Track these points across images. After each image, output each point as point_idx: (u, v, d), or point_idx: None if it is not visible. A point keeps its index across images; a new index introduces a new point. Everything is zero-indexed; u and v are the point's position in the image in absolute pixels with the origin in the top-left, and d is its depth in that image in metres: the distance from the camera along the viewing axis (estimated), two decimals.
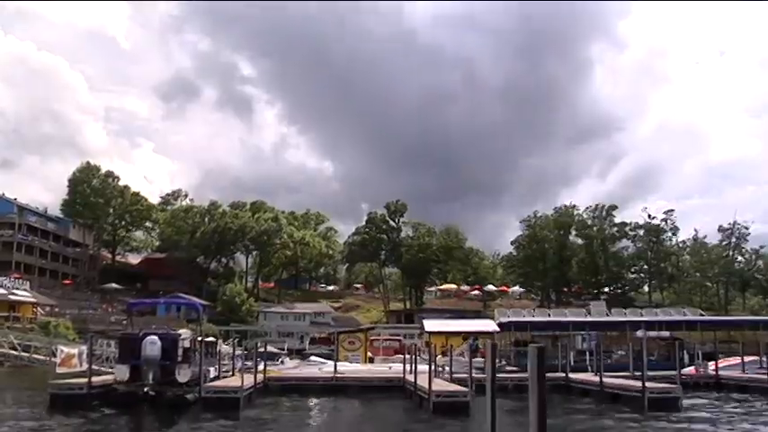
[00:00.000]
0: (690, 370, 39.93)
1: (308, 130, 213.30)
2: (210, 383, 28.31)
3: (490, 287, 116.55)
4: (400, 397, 32.40)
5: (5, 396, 30.59)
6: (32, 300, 75.64)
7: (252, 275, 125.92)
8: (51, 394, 26.02)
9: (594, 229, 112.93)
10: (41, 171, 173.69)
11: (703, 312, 64.80)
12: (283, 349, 64.19)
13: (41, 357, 39.33)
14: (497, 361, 9.91)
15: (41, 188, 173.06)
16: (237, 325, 78.52)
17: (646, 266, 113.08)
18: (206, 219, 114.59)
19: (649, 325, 48.84)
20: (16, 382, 37.23)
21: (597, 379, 32.20)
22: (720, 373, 38.85)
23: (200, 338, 30.59)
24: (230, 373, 34.02)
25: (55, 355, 31.97)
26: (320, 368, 41.96)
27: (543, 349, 5.49)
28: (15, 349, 42.31)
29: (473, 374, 28.79)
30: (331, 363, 41.00)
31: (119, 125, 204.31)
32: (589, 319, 55.31)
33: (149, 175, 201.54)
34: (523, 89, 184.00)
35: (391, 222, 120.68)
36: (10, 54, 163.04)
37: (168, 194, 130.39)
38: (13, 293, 71.99)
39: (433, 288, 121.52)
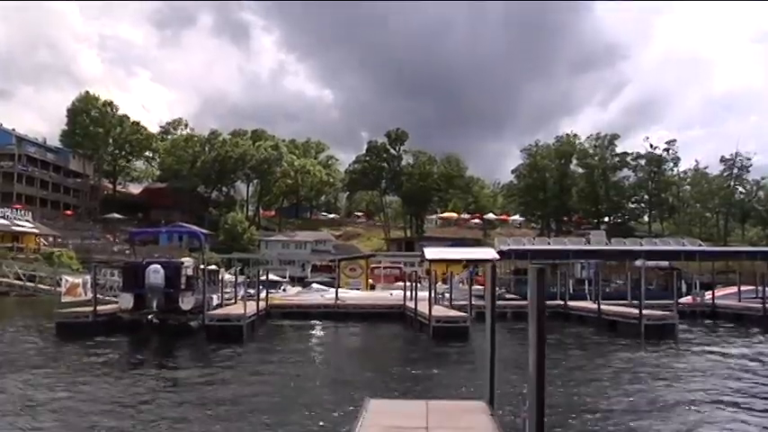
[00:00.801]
0: (687, 299, 40.36)
1: (307, 57, 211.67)
2: (213, 311, 28.63)
3: (490, 216, 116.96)
4: (401, 323, 32.87)
5: (14, 325, 31.00)
6: (35, 230, 75.96)
7: (253, 204, 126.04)
8: (58, 323, 26.44)
9: (596, 158, 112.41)
10: (37, 101, 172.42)
11: (702, 243, 65.06)
12: (285, 277, 64.71)
13: (46, 287, 39.71)
14: (497, 288, 10.04)
15: (37, 118, 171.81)
16: (239, 253, 78.87)
17: (646, 196, 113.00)
18: (206, 148, 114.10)
19: (648, 254, 49.30)
20: (23, 312, 37.69)
21: (595, 307, 32.60)
22: (717, 302, 39.27)
23: (202, 267, 30.84)
24: (233, 300, 34.40)
25: (60, 285, 32.25)
26: (322, 295, 42.37)
27: (544, 270, 5.57)
28: (21, 279, 42.70)
29: (473, 301, 29.24)
30: (332, 290, 41.40)
31: (114, 53, 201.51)
32: (589, 248, 55.71)
33: (147, 104, 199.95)
34: (526, 16, 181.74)
35: (392, 151, 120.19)
36: None
37: (168, 123, 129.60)
38: (16, 224, 72.30)
39: (433, 216, 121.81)
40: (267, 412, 13.14)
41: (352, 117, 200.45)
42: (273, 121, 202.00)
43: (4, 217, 72.50)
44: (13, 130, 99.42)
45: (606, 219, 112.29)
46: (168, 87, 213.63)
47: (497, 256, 51.14)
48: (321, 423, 11.94)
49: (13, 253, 57.30)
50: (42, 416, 12.77)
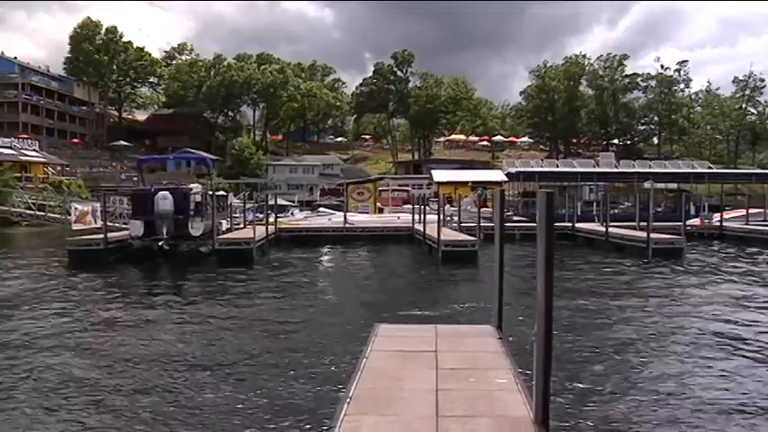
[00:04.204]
0: (695, 221, 40.33)
1: None
2: (223, 236, 28.85)
3: (498, 138, 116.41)
4: (409, 246, 33.05)
5: (26, 254, 31.30)
6: (43, 160, 75.90)
7: (260, 129, 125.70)
8: (69, 251, 26.60)
9: (605, 79, 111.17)
10: (29, 26, 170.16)
11: (712, 165, 64.75)
12: (293, 201, 64.94)
13: (57, 216, 39.88)
14: (505, 210, 10.03)
15: (32, 45, 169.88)
16: (247, 178, 78.97)
17: (656, 118, 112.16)
18: (211, 72, 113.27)
19: (657, 177, 49.07)
20: (34, 241, 38.00)
21: (603, 229, 32.66)
22: (725, 224, 39.23)
23: (210, 192, 30.91)
24: (242, 225, 34.57)
25: (69, 214, 32.40)
26: (330, 219, 42.50)
27: (553, 194, 5.53)
28: (31, 209, 42.85)
29: (481, 224, 29.31)
30: (340, 214, 41.50)
31: None
32: (597, 170, 55.53)
33: (144, 28, 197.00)
34: None
35: (399, 73, 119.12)
36: None
37: (173, 49, 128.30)
38: (23, 154, 72.20)
39: (441, 139, 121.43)
40: (276, 336, 13.34)
41: (353, 38, 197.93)
42: (274, 44, 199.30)
43: (10, 147, 72.37)
44: (15, 58, 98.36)
45: (615, 141, 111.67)
46: (165, 11, 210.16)
47: (505, 179, 51.09)
48: (330, 347, 12.09)
49: (21, 183, 57.37)
50: (62, 343, 13.00)
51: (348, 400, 6.19)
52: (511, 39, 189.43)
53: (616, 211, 42.63)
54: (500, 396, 6.24)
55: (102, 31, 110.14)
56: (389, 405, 6.00)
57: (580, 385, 9.83)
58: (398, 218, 41.94)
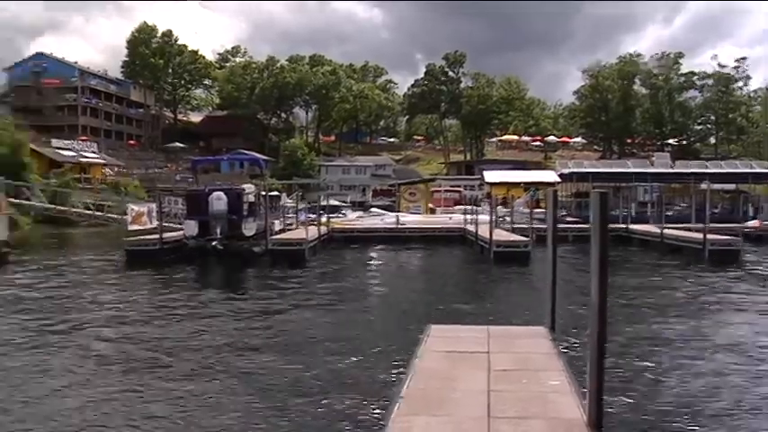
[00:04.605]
0: (753, 223, 39.46)
1: None
2: (276, 236, 29.09)
3: (551, 138, 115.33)
4: (461, 247, 32.98)
5: (86, 253, 31.97)
6: (101, 161, 77.66)
7: (312, 130, 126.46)
8: (127, 251, 27.13)
9: (660, 78, 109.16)
10: (88, 31, 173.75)
11: None
12: (345, 202, 65.22)
13: (114, 216, 40.66)
14: (558, 211, 9.94)
15: (90, 48, 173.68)
16: (300, 179, 79.52)
17: (713, 117, 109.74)
18: (264, 74, 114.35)
19: (714, 177, 48.12)
20: (93, 241, 38.78)
21: (658, 231, 32.15)
22: None
23: (263, 193, 31.18)
24: (294, 226, 34.81)
25: (126, 214, 33.00)
26: (382, 219, 42.60)
27: (607, 194, 5.47)
28: (89, 209, 43.76)
29: (533, 225, 29.10)
30: (392, 214, 41.61)
31: None
32: (652, 170, 54.64)
33: (197, 30, 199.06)
34: None
35: (450, 73, 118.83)
36: None
37: (227, 51, 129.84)
38: (83, 156, 73.96)
39: (493, 139, 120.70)
40: (328, 336, 13.38)
41: (404, 39, 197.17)
42: (325, 45, 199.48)
43: (71, 149, 74.19)
44: (76, 62, 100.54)
45: (671, 141, 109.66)
46: (217, 13, 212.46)
47: (558, 179, 50.61)
48: (381, 348, 12.12)
49: (81, 184, 58.64)
50: (119, 335, 13.31)
51: (400, 400, 6.20)
52: (564, 38, 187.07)
53: (671, 212, 41.90)
54: (553, 398, 6.20)
55: (158, 35, 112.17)
56: (441, 405, 6.01)
57: (634, 389, 9.71)
58: (450, 218, 41.88)
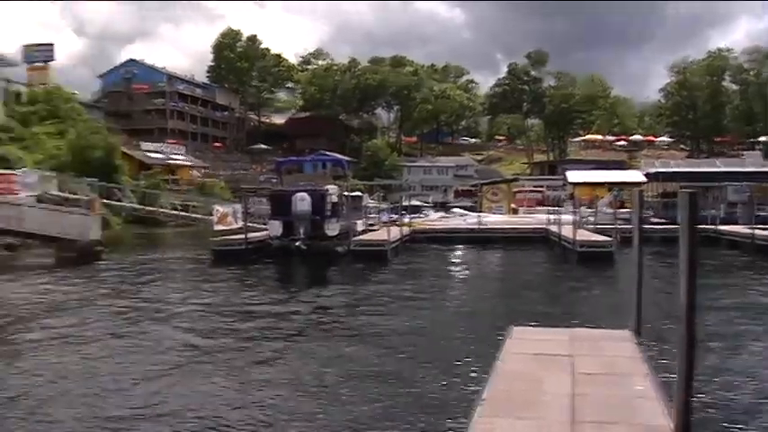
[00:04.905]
0: None
1: None
2: (358, 237, 29.28)
3: (636, 137, 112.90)
4: (544, 247, 32.58)
5: (174, 253, 32.89)
6: (188, 163, 79.72)
7: (394, 130, 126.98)
8: (213, 250, 27.78)
9: (752, 73, 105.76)
10: (175, 37, 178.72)
11: None
12: (427, 202, 65.23)
13: (200, 216, 41.60)
14: (643, 212, 9.73)
15: (178, 54, 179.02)
16: (381, 180, 79.89)
17: None
18: (346, 76, 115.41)
19: None
20: (181, 241, 39.78)
21: (749, 231, 31.13)
22: None
23: (346, 193, 31.41)
24: (377, 226, 34.96)
25: (212, 215, 33.71)
26: (464, 220, 42.43)
27: (696, 194, 5.32)
28: (177, 210, 44.91)
29: (618, 225, 28.56)
30: (474, 214, 41.37)
31: None
32: (743, 169, 52.91)
33: (280, 33, 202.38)
34: None
35: (533, 72, 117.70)
36: None
37: (309, 54, 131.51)
38: (171, 158, 76.10)
39: (576, 139, 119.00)
40: (410, 336, 13.42)
41: (484, 38, 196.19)
42: (406, 46, 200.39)
43: (160, 152, 76.39)
44: (164, 68, 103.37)
45: (762, 138, 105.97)
46: (300, 16, 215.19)
47: (644, 179, 49.48)
48: (463, 348, 12.08)
49: (169, 185, 60.20)
50: (208, 326, 13.64)
51: (482, 401, 6.18)
52: (650, 34, 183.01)
53: (763, 213, 40.47)
54: (638, 404, 6.08)
55: (243, 40, 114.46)
56: (524, 408, 5.97)
57: (724, 396, 9.44)
58: (533, 219, 41.44)
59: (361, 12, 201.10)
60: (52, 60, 76.63)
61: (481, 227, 36.84)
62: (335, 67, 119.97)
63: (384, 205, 39.19)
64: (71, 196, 38.71)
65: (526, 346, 8.28)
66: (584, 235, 28.33)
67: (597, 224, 33.92)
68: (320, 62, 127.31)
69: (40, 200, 34.68)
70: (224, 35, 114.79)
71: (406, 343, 12.75)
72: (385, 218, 35.42)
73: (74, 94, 69.22)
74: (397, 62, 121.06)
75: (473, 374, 9.96)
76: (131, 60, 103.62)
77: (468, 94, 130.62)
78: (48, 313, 16.24)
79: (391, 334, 13.66)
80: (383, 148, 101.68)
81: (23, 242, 29.54)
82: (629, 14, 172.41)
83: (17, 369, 11.16)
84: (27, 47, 74.76)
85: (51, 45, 77.73)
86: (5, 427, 8.49)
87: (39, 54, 74.63)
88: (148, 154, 73.72)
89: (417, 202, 55.40)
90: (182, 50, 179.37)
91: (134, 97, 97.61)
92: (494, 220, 41.39)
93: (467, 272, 26.78)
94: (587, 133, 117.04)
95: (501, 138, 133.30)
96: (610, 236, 27.29)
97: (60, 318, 15.60)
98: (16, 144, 47.38)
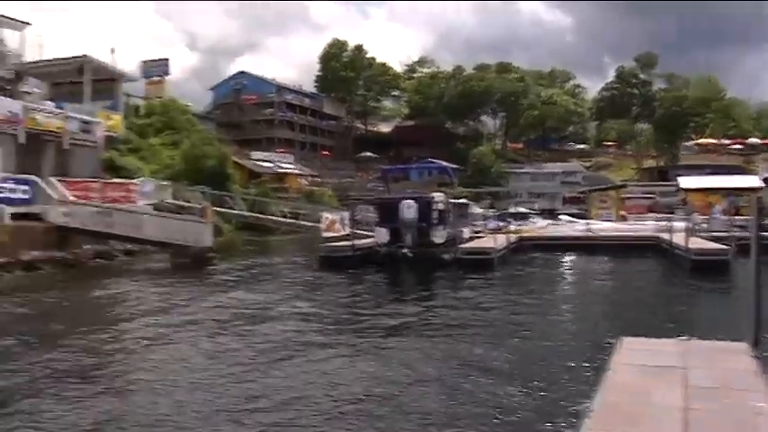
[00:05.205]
0: None
1: None
2: (465, 244, 29.21)
3: (753, 140, 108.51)
4: (655, 256, 31.71)
5: (283, 259, 33.67)
6: (297, 171, 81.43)
7: (500, 137, 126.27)
8: (321, 257, 28.24)
9: None
10: (281, 49, 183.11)
11: None
12: (534, 209, 64.55)
13: (308, 224, 42.35)
14: (762, 219, 9.39)
15: (284, 65, 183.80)
16: (488, 187, 79.48)
17: None
18: (451, 83, 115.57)
19: None
20: (290, 247, 40.62)
21: None
22: None
23: (452, 201, 31.39)
24: (483, 234, 34.82)
25: (320, 222, 34.27)
26: (572, 227, 41.82)
27: None
28: (286, 217, 45.91)
29: (734, 233, 27.57)
30: (582, 222, 40.73)
31: None
32: None
33: (383, 43, 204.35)
34: None
35: (642, 75, 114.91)
36: None
37: (414, 62, 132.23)
38: (280, 167, 77.95)
39: (689, 143, 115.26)
40: (516, 344, 13.31)
41: (590, 41, 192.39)
42: (510, 52, 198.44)
43: (269, 160, 78.39)
44: (274, 79, 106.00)
45: None
46: (402, 24, 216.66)
47: (762, 184, 47.63)
48: (571, 358, 11.91)
49: (278, 193, 61.53)
50: (317, 322, 13.97)
51: (590, 413, 6.12)
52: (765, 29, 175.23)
53: None
54: (757, 421, 5.89)
55: (349, 50, 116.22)
56: (634, 422, 5.87)
57: None
58: (643, 226, 40.47)
59: (464, 19, 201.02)
60: (168, 75, 79.59)
61: (589, 234, 36.22)
62: (440, 75, 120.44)
63: (490, 212, 39.00)
64: (185, 204, 40.09)
65: (637, 357, 8.13)
66: (697, 243, 27.46)
67: (711, 231, 32.82)
68: (425, 70, 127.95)
69: (156, 208, 36.11)
70: (331, 46, 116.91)
71: (511, 350, 12.68)
72: (491, 225, 35.25)
73: (187, 106, 71.55)
74: (503, 68, 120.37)
75: (580, 385, 9.85)
76: (241, 72, 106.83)
77: (575, 99, 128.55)
78: (163, 312, 17.38)
79: (495, 338, 13.64)
80: (489, 155, 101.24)
81: (141, 248, 30.68)
82: (744, 6, 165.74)
83: (144, 361, 12.22)
84: (145, 63, 77.90)
85: (167, 60, 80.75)
86: (145, 409, 9.33)
87: (155, 69, 77.65)
88: (258, 163, 75.66)
89: (524, 210, 54.88)
90: (289, 62, 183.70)
91: (244, 108, 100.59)
92: (602, 227, 40.60)
93: (574, 280, 26.40)
94: (700, 137, 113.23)
95: (609, 143, 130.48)
96: (726, 244, 26.37)
97: (174, 316, 16.82)
98: (134, 155, 49.30)
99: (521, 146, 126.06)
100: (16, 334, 14.36)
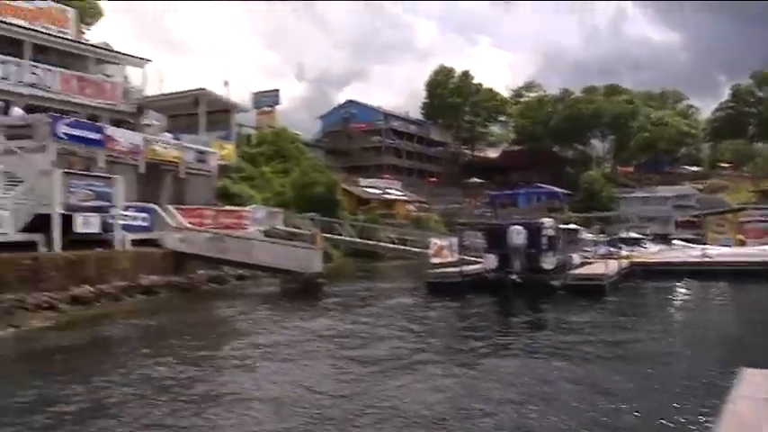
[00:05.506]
0: None
1: None
2: (575, 270, 28.83)
3: None
4: None
5: (391, 284, 34.00)
6: (404, 197, 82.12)
7: (609, 161, 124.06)
8: (429, 282, 28.33)
9: None
10: (389, 77, 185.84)
11: None
12: (646, 234, 63.03)
13: (416, 250, 42.60)
14: None
15: (390, 93, 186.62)
16: (597, 212, 78.09)
17: None
18: (559, 107, 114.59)
19: None
20: (398, 273, 40.94)
21: None
22: None
23: (562, 226, 31.04)
24: (593, 259, 34.26)
25: (428, 247, 34.44)
26: (686, 252, 40.69)
27: None
28: (394, 243, 46.39)
29: None
30: (697, 247, 39.56)
31: (453, 23, 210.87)
32: None
33: (489, 69, 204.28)
34: None
35: (759, 93, 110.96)
36: None
37: (520, 87, 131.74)
38: (388, 193, 78.85)
39: None
40: (625, 372, 12.99)
41: (703, 59, 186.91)
42: (618, 73, 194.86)
43: (377, 187, 79.41)
44: (380, 107, 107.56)
45: None
46: (507, 50, 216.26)
47: None
48: (687, 389, 11.61)
49: (386, 219, 62.18)
50: (429, 359, 14.13)
51: None
52: None
53: None
54: None
55: (455, 76, 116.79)
56: None
57: None
58: (763, 251, 38.98)
59: (569, 42, 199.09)
60: (278, 105, 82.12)
61: (706, 260, 35.14)
62: (547, 99, 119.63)
63: (601, 238, 38.30)
64: (295, 231, 41.02)
65: (759, 389, 7.92)
66: None
67: None
68: (532, 94, 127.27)
69: (267, 234, 37.06)
70: (437, 72, 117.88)
71: (628, 375, 12.48)
72: (602, 251, 34.62)
73: (297, 134, 73.31)
74: (612, 90, 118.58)
75: (699, 416, 9.63)
76: (350, 101, 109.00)
77: (688, 120, 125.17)
78: (271, 332, 18.25)
79: (613, 365, 13.46)
80: (599, 179, 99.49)
81: (253, 273, 31.50)
82: None
83: (251, 377, 12.87)
84: (256, 94, 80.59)
85: (277, 91, 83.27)
86: (252, 419, 9.89)
87: (266, 99, 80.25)
88: (366, 189, 76.74)
89: (635, 235, 53.65)
90: (395, 89, 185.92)
91: (352, 136, 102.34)
92: (719, 252, 39.31)
93: (690, 308, 25.63)
94: None
95: (725, 165, 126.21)
96: None
97: (283, 335, 17.65)
98: (247, 183, 50.81)
99: (631, 169, 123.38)
100: (134, 348, 16.13)
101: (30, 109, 32.60)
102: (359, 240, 46.84)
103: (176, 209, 32.29)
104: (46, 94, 35.79)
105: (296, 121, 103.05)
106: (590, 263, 32.91)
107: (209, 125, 40.66)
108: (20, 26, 35.72)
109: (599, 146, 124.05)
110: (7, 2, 35.97)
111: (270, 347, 15.74)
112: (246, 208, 40.12)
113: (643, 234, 62.15)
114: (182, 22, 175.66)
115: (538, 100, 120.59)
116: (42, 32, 36.80)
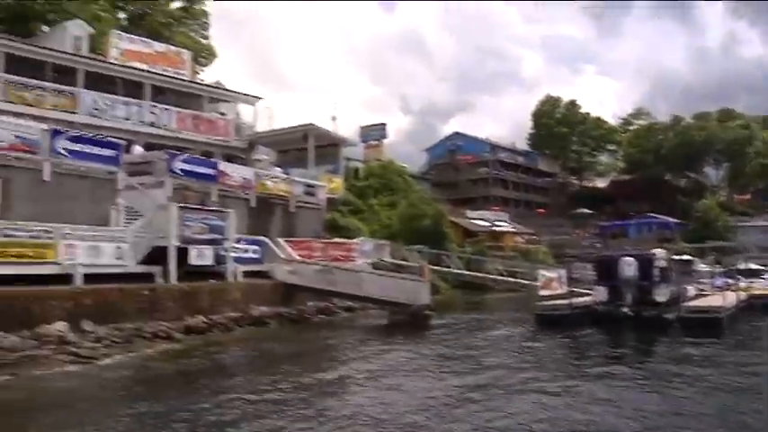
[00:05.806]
0: None
1: (760, 20, 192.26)
2: (689, 303, 28.01)
3: None
4: None
5: (499, 317, 33.82)
6: (512, 229, 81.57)
7: (724, 189, 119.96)
8: (537, 315, 28.08)
9: None
10: (492, 107, 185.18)
11: None
12: (766, 265, 60.59)
13: (525, 282, 42.22)
14: None
15: (495, 124, 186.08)
16: (712, 242, 75.53)
17: None
18: (670, 134, 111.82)
19: None
20: (505, 305, 40.66)
21: None
22: None
23: (675, 257, 30.28)
24: (708, 292, 33.19)
25: (537, 280, 34.12)
26: None
27: None
28: (502, 275, 46.11)
29: None
30: None
31: (556, 52, 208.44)
32: None
33: (596, 97, 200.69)
34: None
35: None
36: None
37: (629, 115, 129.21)
38: (495, 225, 78.58)
39: None
40: (755, 406, 12.60)
41: None
42: (731, 97, 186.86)
43: (484, 219, 79.26)
44: (487, 138, 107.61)
45: None
46: (613, 77, 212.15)
47: None
48: None
49: (494, 251, 61.81)
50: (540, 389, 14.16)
51: None
52: None
53: None
54: None
55: (561, 106, 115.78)
56: None
57: None
58: None
59: (678, 67, 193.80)
60: (385, 138, 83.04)
61: None
62: (657, 126, 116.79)
63: (717, 269, 37.05)
64: (403, 263, 41.30)
65: None
66: None
67: None
68: (640, 122, 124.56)
69: (375, 266, 37.48)
70: (543, 102, 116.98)
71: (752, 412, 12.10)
72: (718, 283, 33.48)
73: (404, 167, 73.89)
74: (725, 115, 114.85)
75: None
76: (456, 133, 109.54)
77: None
78: (378, 359, 18.97)
79: (736, 398, 13.14)
80: (713, 207, 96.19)
81: (361, 305, 31.86)
82: None
83: (361, 399, 13.61)
84: (363, 128, 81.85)
85: (384, 125, 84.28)
86: None
87: (373, 133, 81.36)
88: (473, 221, 76.51)
89: (754, 266, 51.60)
90: (500, 119, 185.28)
91: (459, 167, 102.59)
92: None
93: None
94: None
95: None
96: None
97: (389, 362, 18.31)
98: (355, 216, 51.49)
99: (748, 197, 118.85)
100: (248, 372, 17.43)
101: (148, 146, 34.28)
102: (466, 272, 46.70)
103: (286, 241, 33.14)
104: (163, 132, 37.61)
105: (402, 153, 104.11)
106: (706, 295, 31.92)
107: (317, 159, 41.68)
108: (141, 70, 37.75)
109: (712, 173, 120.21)
110: (131, 48, 38.07)
111: (380, 372, 16.36)
112: (354, 240, 40.64)
113: (763, 265, 59.77)
114: (289, 60, 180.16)
115: (647, 127, 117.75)
116: (161, 75, 38.71)
